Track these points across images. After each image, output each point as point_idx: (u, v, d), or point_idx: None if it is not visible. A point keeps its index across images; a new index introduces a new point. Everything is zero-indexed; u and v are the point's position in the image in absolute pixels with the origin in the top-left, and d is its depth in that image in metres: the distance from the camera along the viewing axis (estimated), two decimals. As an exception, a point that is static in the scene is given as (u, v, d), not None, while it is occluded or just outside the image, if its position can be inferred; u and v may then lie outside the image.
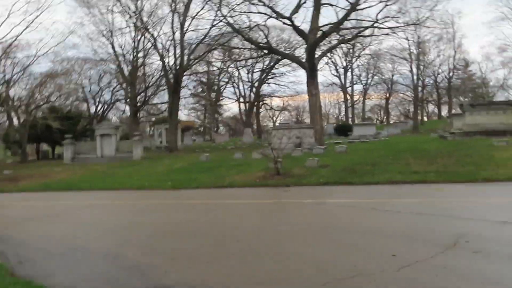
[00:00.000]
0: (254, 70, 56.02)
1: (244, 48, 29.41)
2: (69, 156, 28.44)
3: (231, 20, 24.48)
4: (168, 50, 33.17)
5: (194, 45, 31.21)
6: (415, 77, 50.45)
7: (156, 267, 5.17)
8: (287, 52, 32.32)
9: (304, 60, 25.84)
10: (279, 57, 42.53)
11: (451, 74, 56.73)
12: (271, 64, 51.74)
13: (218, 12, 24.58)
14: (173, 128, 34.42)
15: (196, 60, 35.11)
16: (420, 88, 52.30)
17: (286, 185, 13.17)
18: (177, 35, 32.70)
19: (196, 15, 30.05)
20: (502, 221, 6.45)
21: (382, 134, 37.84)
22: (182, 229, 7.59)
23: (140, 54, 38.60)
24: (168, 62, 34.01)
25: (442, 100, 62.23)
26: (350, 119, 58.06)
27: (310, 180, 13.38)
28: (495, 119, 19.04)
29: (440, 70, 55.59)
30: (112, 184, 16.03)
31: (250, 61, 54.29)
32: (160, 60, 33.25)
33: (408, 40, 52.75)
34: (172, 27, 32.50)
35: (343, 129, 45.38)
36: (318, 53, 26.94)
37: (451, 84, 57.08)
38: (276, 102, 64.15)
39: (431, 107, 71.64)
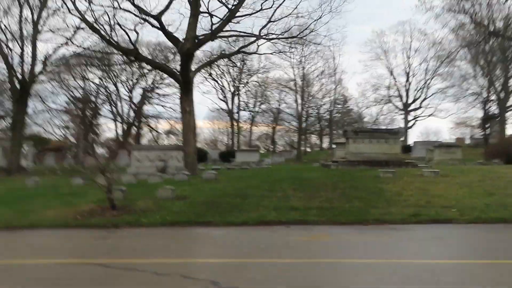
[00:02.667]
0: (135, 88, 51.09)
1: (107, 53, 24.64)
2: None
3: (90, 19, 19.78)
4: (11, 49, 26.72)
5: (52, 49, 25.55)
6: (299, 107, 50.77)
7: None
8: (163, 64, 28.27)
9: (178, 73, 22.23)
10: (159, 72, 38.78)
11: (331, 107, 58.83)
12: (152, 82, 47.63)
13: (73, 6, 19.55)
14: (16, 145, 27.61)
15: (54, 66, 29.11)
16: (304, 119, 52.82)
17: (114, 225, 9.09)
18: (29, 32, 26.72)
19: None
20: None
21: (266, 162, 35.89)
22: None
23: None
24: (13, 65, 27.30)
25: (324, 132, 64.20)
26: (236, 146, 55.89)
27: (153, 218, 9.50)
28: (378, 148, 17.66)
29: (322, 103, 57.19)
30: None
31: (129, 77, 49.47)
32: (2, 58, 26.52)
33: (294, 68, 53.62)
34: (20, 21, 26.40)
35: (227, 155, 42.81)
36: (195, 67, 23.77)
37: (332, 116, 59.03)
38: (163, 125, 59.07)
39: (314, 139, 74.10)
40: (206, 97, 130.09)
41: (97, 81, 49.01)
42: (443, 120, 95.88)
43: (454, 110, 71.20)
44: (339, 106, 62.91)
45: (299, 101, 50.76)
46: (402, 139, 32.18)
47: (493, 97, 40.21)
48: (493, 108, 40.86)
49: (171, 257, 6.21)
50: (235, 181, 14.14)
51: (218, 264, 5.61)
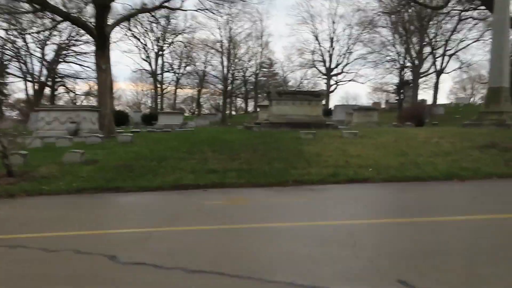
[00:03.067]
0: (47, 44, 46.03)
1: None
2: None
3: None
4: None
5: None
6: (225, 70, 49.80)
7: None
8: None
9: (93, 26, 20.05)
10: (74, 26, 35.14)
11: (257, 70, 58.62)
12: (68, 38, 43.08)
13: None
14: None
15: None
16: (229, 82, 52.01)
17: (9, 194, 7.97)
18: None
19: None
20: None
21: (190, 125, 35.02)
22: None
23: None
24: None
25: (250, 95, 64.10)
26: (160, 109, 53.54)
27: (57, 185, 8.49)
28: (301, 110, 17.67)
29: (248, 65, 56.67)
30: None
31: (40, 30, 44.19)
32: None
33: (220, 29, 52.05)
34: None
35: (150, 118, 41.06)
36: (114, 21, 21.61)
37: (258, 80, 58.88)
38: (81, 87, 54.43)
39: (240, 102, 73.88)
40: (127, 56, 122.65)
41: (2, 33, 43.23)
42: (362, 85, 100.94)
43: (372, 75, 75.31)
44: (265, 69, 62.96)
45: (225, 63, 49.81)
46: (324, 102, 33.01)
47: (408, 64, 42.58)
48: (408, 74, 43.43)
49: (69, 229, 5.42)
50: (153, 144, 13.26)
51: (121, 235, 4.97)
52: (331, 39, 55.67)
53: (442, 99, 64.03)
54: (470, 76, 63.17)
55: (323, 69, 57.26)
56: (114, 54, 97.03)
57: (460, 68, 47.67)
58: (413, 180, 8.97)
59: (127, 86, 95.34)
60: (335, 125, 18.86)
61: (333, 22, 56.06)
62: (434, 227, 5.11)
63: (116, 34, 76.98)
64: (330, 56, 56.25)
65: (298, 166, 9.75)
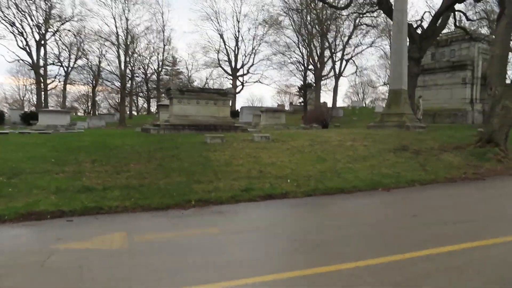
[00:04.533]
0: None
1: None
2: None
3: None
4: None
5: None
6: (122, 65, 45.48)
7: None
8: None
9: None
10: None
11: (160, 68, 55.17)
12: None
13: None
14: None
15: None
16: (128, 79, 47.76)
17: None
18: None
19: None
20: None
21: (80, 126, 30.72)
22: None
23: None
24: None
25: (152, 94, 60.15)
26: (44, 107, 46.92)
27: None
28: (206, 110, 15.69)
29: (149, 62, 52.93)
30: None
31: None
32: None
33: (116, 19, 47.72)
34: None
35: (29, 117, 35.65)
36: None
37: (160, 78, 55.39)
38: None
39: (142, 102, 69.21)
40: (1, 44, 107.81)
41: None
42: (267, 87, 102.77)
43: (277, 77, 76.28)
44: (168, 67, 59.68)
45: (122, 58, 45.41)
46: (231, 102, 31.52)
47: (311, 67, 43.18)
48: (311, 77, 44.11)
49: None
50: (11, 151, 10.11)
51: None
52: (236, 38, 54.59)
53: (339, 102, 67.45)
54: (362, 81, 67.58)
55: (228, 69, 55.90)
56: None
57: (355, 72, 50.11)
58: (337, 192, 7.69)
59: (6, 80, 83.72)
60: (244, 127, 17.27)
61: (238, 21, 55.20)
62: (394, 275, 3.58)
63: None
64: (236, 56, 55.11)
65: (203, 179, 7.80)
